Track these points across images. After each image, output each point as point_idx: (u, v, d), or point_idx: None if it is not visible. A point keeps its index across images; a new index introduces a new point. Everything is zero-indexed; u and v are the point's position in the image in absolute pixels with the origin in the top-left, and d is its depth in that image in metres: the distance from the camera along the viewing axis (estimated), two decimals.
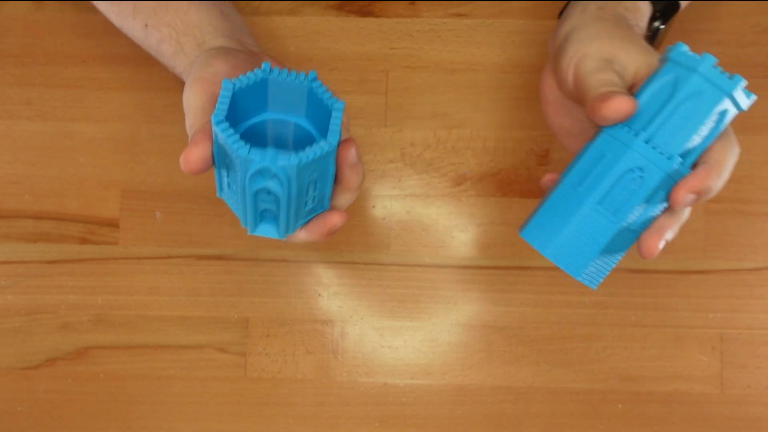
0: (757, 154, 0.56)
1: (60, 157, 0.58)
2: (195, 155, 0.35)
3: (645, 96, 0.36)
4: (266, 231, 0.37)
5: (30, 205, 0.57)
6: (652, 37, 0.47)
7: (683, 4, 0.47)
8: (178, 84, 0.58)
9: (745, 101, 0.36)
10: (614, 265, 0.39)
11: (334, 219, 0.38)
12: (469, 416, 0.55)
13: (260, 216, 0.37)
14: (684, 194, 0.35)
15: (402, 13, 0.58)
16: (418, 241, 0.56)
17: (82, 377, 0.56)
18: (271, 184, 0.33)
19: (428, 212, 0.56)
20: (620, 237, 0.37)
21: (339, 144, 0.35)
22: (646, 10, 0.45)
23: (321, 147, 0.33)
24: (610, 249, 0.37)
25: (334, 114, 0.34)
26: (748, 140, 0.56)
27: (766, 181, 0.55)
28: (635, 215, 0.36)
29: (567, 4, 0.48)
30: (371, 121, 0.57)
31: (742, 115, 0.57)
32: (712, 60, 0.35)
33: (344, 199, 0.39)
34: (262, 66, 0.35)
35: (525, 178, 0.56)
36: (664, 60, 0.37)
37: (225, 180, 0.37)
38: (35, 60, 0.59)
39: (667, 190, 0.36)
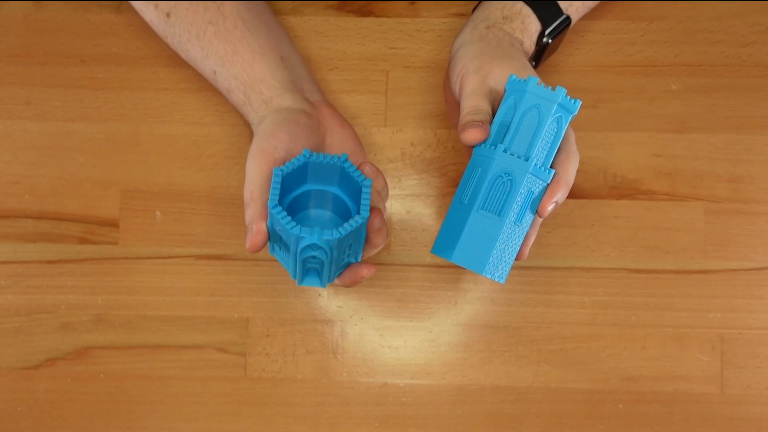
0: (757, 154, 0.56)
1: (60, 157, 0.58)
2: (258, 242, 0.44)
3: (498, 117, 0.46)
4: (311, 282, 0.45)
5: (30, 205, 0.57)
6: (541, 51, 0.52)
7: (574, 19, 0.53)
8: (178, 84, 0.58)
9: (573, 105, 0.45)
10: (514, 258, 0.46)
11: (363, 271, 0.46)
12: (469, 416, 0.55)
13: (306, 271, 0.45)
14: (548, 205, 0.45)
15: (402, 13, 0.58)
16: (418, 241, 0.56)
17: (82, 377, 0.56)
18: (318, 253, 0.42)
19: (428, 212, 0.56)
20: (509, 232, 0.45)
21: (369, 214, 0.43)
22: (534, 27, 0.51)
23: (356, 221, 0.41)
24: (504, 244, 0.45)
25: (364, 190, 0.42)
26: (748, 140, 0.56)
27: (766, 181, 0.56)
28: (515, 211, 0.44)
29: (469, 18, 0.53)
30: (371, 121, 0.57)
31: (743, 115, 0.57)
32: (535, 80, 0.44)
33: (370, 253, 0.47)
34: (303, 152, 0.43)
35: None
36: (505, 89, 0.46)
37: (275, 246, 0.45)
38: (35, 60, 0.59)
39: (533, 185, 0.44)
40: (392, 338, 0.56)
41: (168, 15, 0.51)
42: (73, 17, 0.59)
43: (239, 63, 0.50)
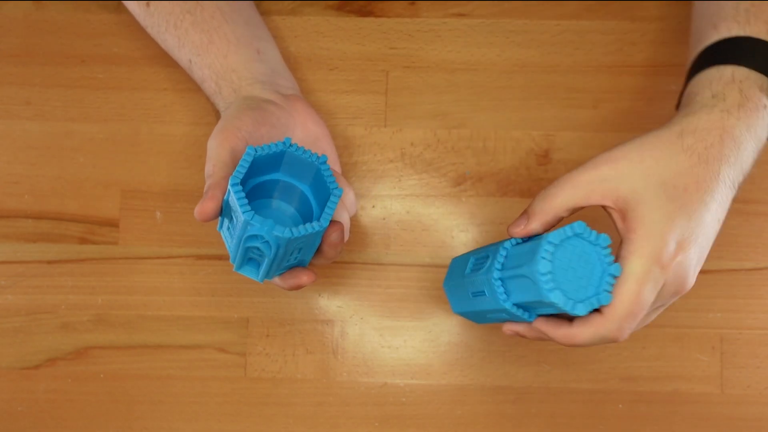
0: None
1: (60, 157, 0.58)
2: (208, 209, 0.40)
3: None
4: (248, 272, 0.43)
5: (30, 205, 0.57)
6: None
7: None
8: (178, 84, 0.58)
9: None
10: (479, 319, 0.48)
11: (303, 278, 0.43)
12: (469, 416, 0.55)
13: (246, 260, 0.43)
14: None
15: (402, 13, 0.58)
16: (418, 241, 0.56)
17: (82, 377, 0.56)
18: (262, 246, 0.39)
19: (428, 212, 0.56)
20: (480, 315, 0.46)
21: (329, 225, 0.41)
22: (758, 88, 0.41)
23: (312, 227, 0.39)
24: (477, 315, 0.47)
25: (331, 199, 0.40)
26: None
27: (766, 181, 0.55)
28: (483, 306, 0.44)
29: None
30: (371, 121, 0.57)
31: None
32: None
33: (319, 262, 0.44)
34: (284, 140, 0.41)
35: (525, 178, 0.56)
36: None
37: (226, 223, 0.43)
38: (35, 60, 0.59)
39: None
40: (392, 338, 0.56)
41: (147, 5, 0.51)
42: (73, 17, 0.59)
43: (214, 53, 0.49)
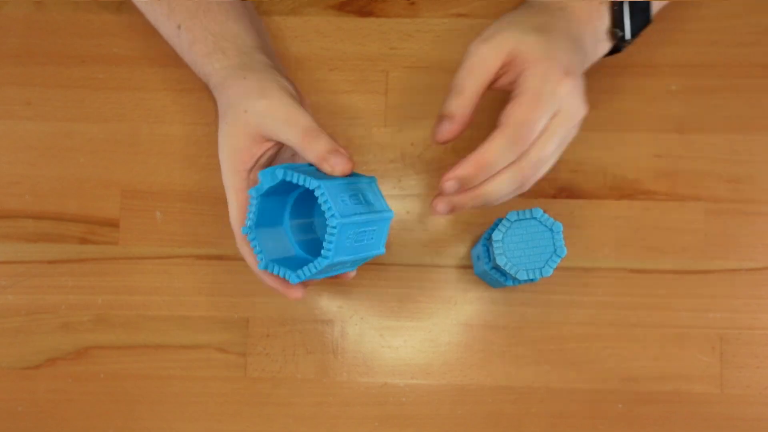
0: (757, 154, 0.56)
1: (60, 157, 0.58)
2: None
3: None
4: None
5: (30, 205, 0.57)
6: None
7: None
8: (178, 84, 0.58)
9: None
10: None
11: (294, 293, 0.45)
12: (469, 416, 0.55)
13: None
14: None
15: (402, 13, 0.58)
16: (418, 241, 0.56)
17: (82, 377, 0.56)
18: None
19: (428, 212, 0.56)
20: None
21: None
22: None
23: (315, 265, 0.40)
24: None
25: (329, 230, 0.39)
26: (748, 140, 0.56)
27: (766, 181, 0.55)
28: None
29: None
30: (371, 121, 0.57)
31: (743, 115, 0.57)
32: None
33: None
34: (276, 173, 0.41)
35: None
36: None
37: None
38: (35, 60, 0.59)
39: None
40: (392, 338, 0.56)
41: None
42: (73, 17, 0.59)
43: (211, 16, 0.47)
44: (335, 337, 0.56)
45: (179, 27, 0.49)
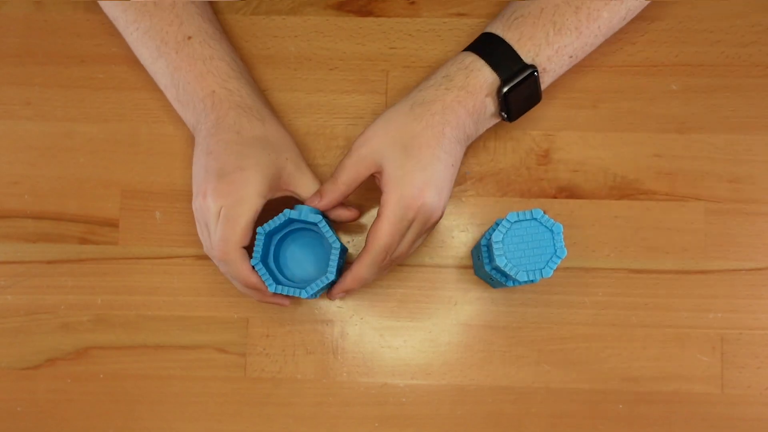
0: (757, 154, 0.56)
1: (60, 157, 0.58)
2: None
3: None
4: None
5: (30, 205, 0.57)
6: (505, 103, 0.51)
7: (554, 68, 0.51)
8: None
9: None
10: None
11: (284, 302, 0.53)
12: (469, 416, 0.55)
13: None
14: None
15: (402, 13, 0.58)
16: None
17: (82, 377, 0.56)
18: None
19: None
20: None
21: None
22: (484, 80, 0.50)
23: (322, 281, 0.49)
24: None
25: (332, 253, 0.49)
26: (748, 140, 0.56)
27: (767, 181, 0.55)
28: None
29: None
30: (371, 121, 0.57)
31: (743, 115, 0.57)
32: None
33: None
34: (284, 211, 0.50)
35: (525, 178, 0.56)
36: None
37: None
38: (35, 60, 0.59)
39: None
40: (392, 338, 0.56)
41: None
42: (73, 17, 0.59)
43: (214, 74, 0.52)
44: (335, 338, 0.56)
45: (190, 38, 0.53)
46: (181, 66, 0.51)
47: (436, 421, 0.55)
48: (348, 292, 0.52)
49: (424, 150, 0.48)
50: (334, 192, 0.50)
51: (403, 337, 0.56)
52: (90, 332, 0.56)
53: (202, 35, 0.52)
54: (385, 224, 0.48)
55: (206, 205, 0.48)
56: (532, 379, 0.55)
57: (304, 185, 0.52)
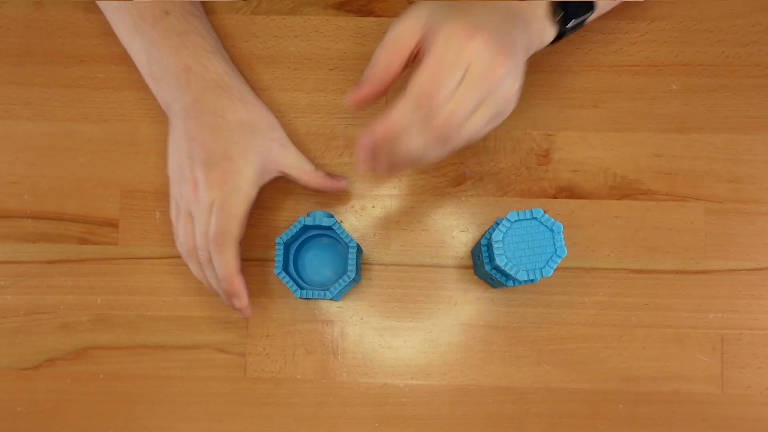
0: (757, 154, 0.56)
1: (60, 157, 0.58)
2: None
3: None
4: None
5: (30, 205, 0.57)
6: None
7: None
8: None
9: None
10: None
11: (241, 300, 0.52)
12: (469, 416, 0.55)
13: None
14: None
15: (402, 12, 0.58)
16: (418, 241, 0.56)
17: (82, 377, 0.56)
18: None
19: (428, 212, 0.56)
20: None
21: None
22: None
23: (344, 280, 0.50)
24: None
25: (350, 253, 0.50)
26: (748, 140, 0.56)
27: (766, 181, 0.55)
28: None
29: None
30: (371, 121, 0.57)
31: (743, 115, 0.57)
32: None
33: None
34: (299, 219, 0.50)
35: (525, 178, 0.56)
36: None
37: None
38: (35, 60, 0.59)
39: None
40: (392, 338, 0.56)
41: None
42: (73, 17, 0.59)
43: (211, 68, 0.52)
44: (335, 338, 0.56)
45: (167, 13, 0.52)
46: (156, 39, 0.50)
47: (436, 421, 0.55)
48: (375, 150, 0.43)
49: (486, 6, 0.42)
50: (375, 76, 0.44)
51: (403, 337, 0.56)
52: (90, 332, 0.56)
53: (180, 10, 0.52)
54: (427, 59, 0.40)
55: (197, 195, 0.47)
56: (532, 379, 0.55)
57: (291, 164, 0.51)
